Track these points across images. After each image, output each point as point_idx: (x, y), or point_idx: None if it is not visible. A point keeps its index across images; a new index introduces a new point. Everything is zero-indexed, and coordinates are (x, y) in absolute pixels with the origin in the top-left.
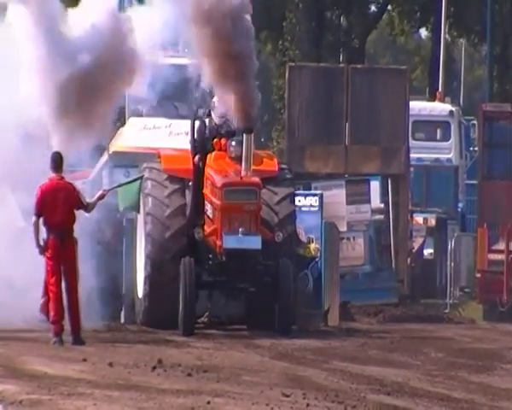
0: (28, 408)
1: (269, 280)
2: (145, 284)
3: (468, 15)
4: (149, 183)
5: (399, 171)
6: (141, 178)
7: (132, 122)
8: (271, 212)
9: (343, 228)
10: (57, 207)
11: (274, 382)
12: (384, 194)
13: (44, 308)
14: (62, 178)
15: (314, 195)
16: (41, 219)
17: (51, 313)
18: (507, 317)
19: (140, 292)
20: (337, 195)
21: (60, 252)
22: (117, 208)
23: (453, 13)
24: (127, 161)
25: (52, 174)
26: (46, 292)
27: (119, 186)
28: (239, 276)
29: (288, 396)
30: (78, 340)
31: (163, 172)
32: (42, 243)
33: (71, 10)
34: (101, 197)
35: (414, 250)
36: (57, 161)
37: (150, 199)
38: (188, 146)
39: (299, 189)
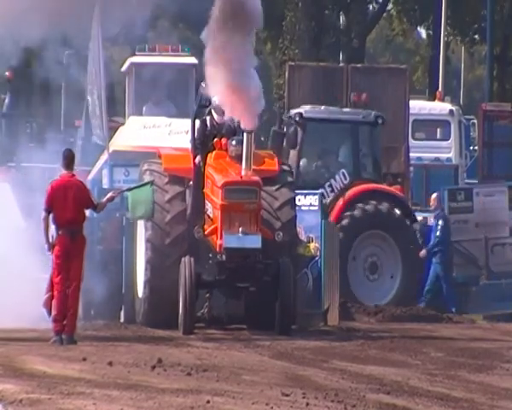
0: (28, 407)
1: (269, 279)
2: (145, 288)
3: (468, 15)
4: None
5: (399, 170)
6: (151, 182)
7: (132, 121)
8: (272, 218)
9: (505, 233)
10: (67, 205)
11: (273, 381)
12: None
13: (47, 304)
14: (73, 175)
15: (314, 194)
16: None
17: (54, 312)
18: (506, 316)
19: (140, 292)
20: (499, 200)
21: (68, 249)
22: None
23: (452, 12)
24: (127, 159)
25: (63, 171)
26: (51, 288)
27: (129, 190)
28: (239, 275)
29: (287, 396)
30: (70, 340)
31: (163, 175)
32: (51, 239)
33: None
34: (111, 199)
35: None
36: (68, 158)
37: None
38: (188, 145)
39: (459, 194)
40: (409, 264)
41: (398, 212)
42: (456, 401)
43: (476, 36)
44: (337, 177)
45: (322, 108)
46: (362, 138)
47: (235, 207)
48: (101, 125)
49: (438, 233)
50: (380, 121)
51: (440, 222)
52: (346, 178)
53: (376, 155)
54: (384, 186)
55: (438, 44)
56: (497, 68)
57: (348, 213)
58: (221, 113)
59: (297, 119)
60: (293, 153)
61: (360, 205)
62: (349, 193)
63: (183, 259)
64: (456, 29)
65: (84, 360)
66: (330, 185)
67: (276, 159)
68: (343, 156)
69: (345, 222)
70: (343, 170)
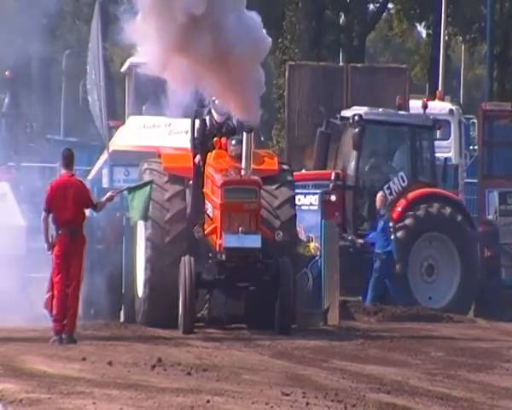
0: (28, 407)
1: (269, 279)
2: (145, 287)
3: (468, 14)
4: None
5: None
6: (150, 182)
7: (132, 121)
8: (272, 216)
9: None
10: (67, 204)
11: (273, 381)
12: None
13: (49, 304)
14: (73, 175)
15: (314, 194)
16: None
17: (54, 311)
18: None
19: (140, 291)
20: None
21: (68, 249)
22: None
23: (452, 11)
24: (127, 159)
25: (63, 171)
26: (51, 288)
27: (129, 190)
28: (239, 275)
29: (287, 395)
30: (70, 339)
31: (163, 174)
32: (51, 239)
33: None
34: (110, 199)
35: None
36: (68, 158)
37: (150, 203)
38: (188, 145)
39: (510, 197)
40: (467, 267)
41: (459, 216)
42: (456, 400)
43: (475, 35)
44: (395, 179)
45: (381, 110)
46: (419, 142)
47: (234, 207)
48: (101, 125)
49: (393, 237)
50: (437, 126)
51: (391, 224)
52: (404, 181)
53: (432, 159)
54: (443, 191)
55: (438, 44)
56: (497, 68)
57: (411, 213)
58: (221, 112)
59: (356, 120)
60: (349, 154)
61: (424, 206)
62: (412, 194)
63: (182, 258)
64: (457, 28)
65: (84, 359)
66: (389, 187)
67: (275, 158)
68: (400, 159)
69: (408, 222)
70: (401, 173)
